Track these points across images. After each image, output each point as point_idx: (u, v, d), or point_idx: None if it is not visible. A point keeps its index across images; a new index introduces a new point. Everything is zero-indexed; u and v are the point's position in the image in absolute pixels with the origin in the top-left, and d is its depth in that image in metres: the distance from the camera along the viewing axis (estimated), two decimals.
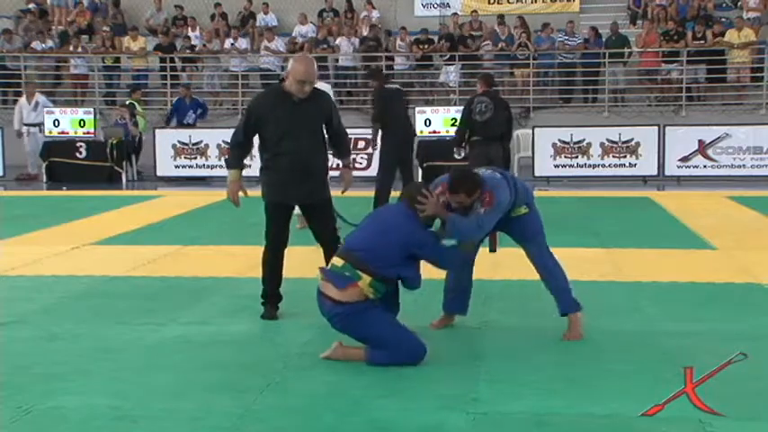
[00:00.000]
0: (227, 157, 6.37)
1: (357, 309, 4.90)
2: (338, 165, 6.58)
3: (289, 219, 6.42)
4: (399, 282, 5.09)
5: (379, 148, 11.22)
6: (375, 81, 11.19)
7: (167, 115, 18.04)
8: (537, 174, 15.89)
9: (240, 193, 6.47)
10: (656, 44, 19.14)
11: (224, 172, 16.92)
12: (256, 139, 6.34)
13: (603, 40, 19.51)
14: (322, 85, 10.14)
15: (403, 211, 5.11)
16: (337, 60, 20.32)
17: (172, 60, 20.44)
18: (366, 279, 4.90)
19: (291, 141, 6.00)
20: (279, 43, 20.55)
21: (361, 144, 16.11)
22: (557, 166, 15.94)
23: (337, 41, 20.32)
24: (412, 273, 5.05)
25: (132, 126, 17.05)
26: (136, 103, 17.64)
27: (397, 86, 11.49)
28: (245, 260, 8.27)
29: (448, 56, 19.90)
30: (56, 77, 21.35)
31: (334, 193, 6.28)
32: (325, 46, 20.43)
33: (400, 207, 5.18)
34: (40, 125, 16.99)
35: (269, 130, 6.05)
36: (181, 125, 17.45)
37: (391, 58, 19.99)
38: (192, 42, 21.06)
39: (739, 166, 15.58)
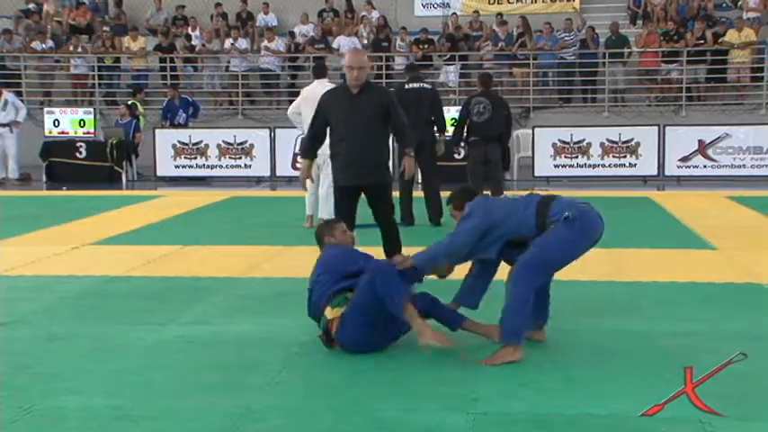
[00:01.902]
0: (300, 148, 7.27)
1: (347, 317, 5.06)
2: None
3: (355, 202, 6.94)
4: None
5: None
6: (407, 76, 10.69)
7: (161, 118, 18.05)
8: (537, 174, 15.89)
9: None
10: (655, 44, 19.15)
11: (223, 172, 17.28)
12: None
13: (602, 40, 19.53)
14: (326, 84, 10.19)
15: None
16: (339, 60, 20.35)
17: (172, 60, 20.44)
18: (328, 313, 5.13)
19: (349, 129, 6.72)
20: (279, 43, 20.57)
21: None
22: (557, 166, 15.94)
23: (336, 41, 20.31)
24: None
25: (139, 133, 17.06)
26: (138, 104, 17.65)
27: (422, 85, 10.60)
28: (245, 260, 8.27)
29: (448, 56, 19.92)
30: (74, 79, 21.24)
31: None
32: (322, 45, 20.43)
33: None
34: (11, 125, 16.73)
35: (332, 120, 6.81)
36: (174, 126, 17.45)
37: (391, 58, 20.00)
38: (192, 42, 21.07)
39: (739, 166, 15.59)
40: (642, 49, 19.31)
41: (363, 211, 7.34)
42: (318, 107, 6.95)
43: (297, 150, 16.01)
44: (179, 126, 17.41)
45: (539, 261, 4.97)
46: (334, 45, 20.34)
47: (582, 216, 5.01)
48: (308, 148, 7.11)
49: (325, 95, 7.07)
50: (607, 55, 19.07)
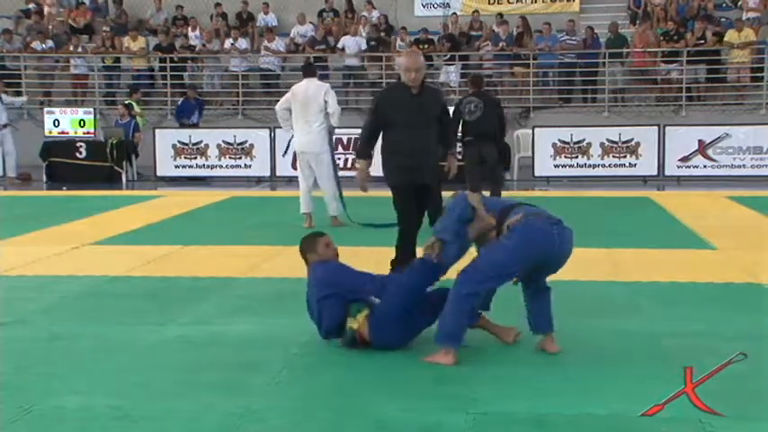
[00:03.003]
0: (357, 148, 7.32)
1: (378, 319, 5.10)
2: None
3: (416, 199, 6.81)
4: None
5: None
6: None
7: (176, 118, 18.03)
8: (537, 174, 15.89)
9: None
10: (653, 44, 19.16)
11: (223, 172, 17.25)
12: None
13: (602, 40, 19.52)
14: (319, 85, 10.24)
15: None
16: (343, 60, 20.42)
17: (172, 60, 20.43)
18: (352, 323, 5.15)
19: (411, 129, 6.65)
20: (279, 43, 20.57)
21: None
22: (557, 166, 15.93)
23: (342, 41, 20.32)
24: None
25: (138, 133, 17.07)
26: (134, 104, 17.61)
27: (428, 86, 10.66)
28: (245, 260, 8.27)
29: (448, 56, 19.92)
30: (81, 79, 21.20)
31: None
32: (323, 46, 20.43)
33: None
34: (7, 125, 16.70)
35: (392, 120, 6.71)
36: (188, 126, 17.46)
37: (391, 58, 20.01)
38: (192, 42, 21.06)
39: (739, 166, 15.59)
40: (641, 49, 19.31)
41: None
42: (377, 106, 6.88)
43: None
44: (192, 126, 17.44)
45: (479, 266, 4.98)
46: (339, 45, 20.34)
47: (524, 227, 4.96)
48: (366, 148, 6.97)
49: (382, 95, 7.09)
50: (607, 55, 19.06)
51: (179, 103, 18.32)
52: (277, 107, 10.44)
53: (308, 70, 10.41)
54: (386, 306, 5.14)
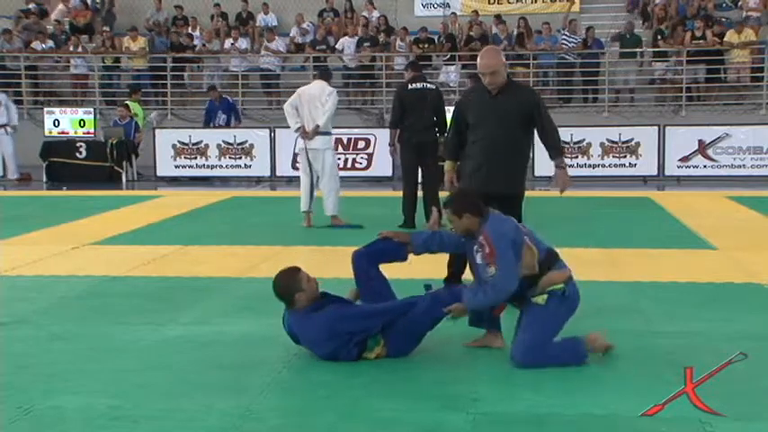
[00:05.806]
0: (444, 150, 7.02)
1: (396, 342, 5.06)
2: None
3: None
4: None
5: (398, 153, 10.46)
6: (408, 75, 10.22)
7: (204, 121, 17.97)
8: (537, 174, 15.81)
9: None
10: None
11: (223, 172, 17.21)
12: None
13: (602, 40, 19.53)
14: (324, 86, 10.29)
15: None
16: (342, 60, 20.42)
17: (173, 60, 20.42)
18: (369, 355, 5.04)
19: (484, 131, 6.35)
20: (279, 43, 20.57)
21: (361, 144, 16.13)
22: None
23: (340, 41, 20.33)
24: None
25: (139, 133, 17.06)
26: (130, 104, 17.55)
27: (425, 85, 10.08)
28: (245, 260, 8.28)
29: (448, 56, 19.92)
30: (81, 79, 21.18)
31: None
32: (324, 47, 20.43)
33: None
34: (6, 127, 16.64)
35: (470, 121, 6.46)
36: (213, 127, 17.45)
37: (391, 59, 20.02)
38: (192, 42, 21.05)
39: (739, 166, 15.60)
40: (654, 49, 19.29)
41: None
42: (457, 107, 6.65)
43: (296, 150, 16.03)
44: (218, 127, 17.42)
45: (542, 340, 4.89)
46: (338, 46, 20.33)
47: (575, 291, 5.03)
48: (452, 149, 6.66)
49: (464, 95, 6.80)
50: (608, 55, 19.06)
51: (206, 103, 18.26)
52: (286, 106, 10.46)
53: (321, 74, 10.63)
54: (406, 335, 5.08)
